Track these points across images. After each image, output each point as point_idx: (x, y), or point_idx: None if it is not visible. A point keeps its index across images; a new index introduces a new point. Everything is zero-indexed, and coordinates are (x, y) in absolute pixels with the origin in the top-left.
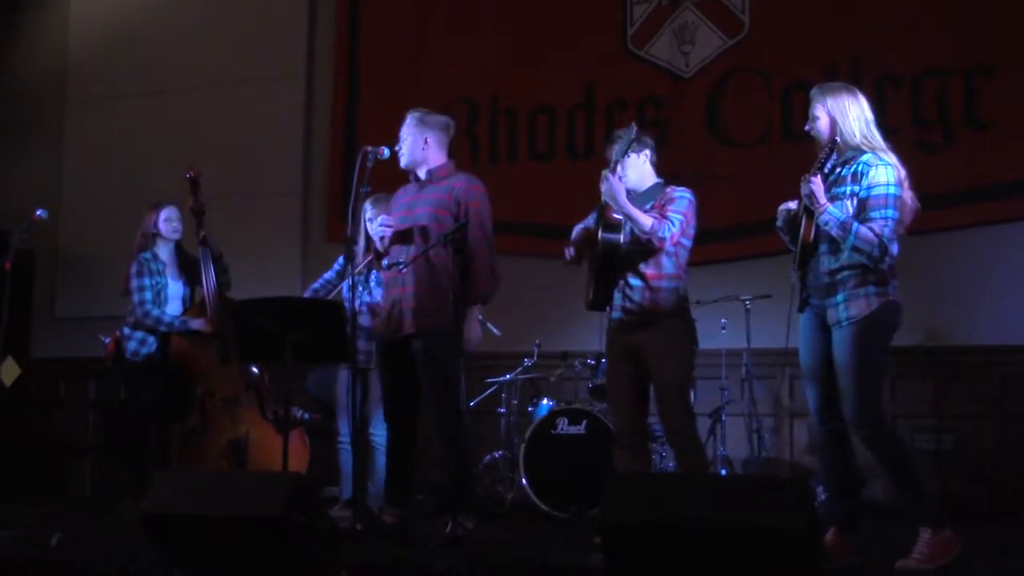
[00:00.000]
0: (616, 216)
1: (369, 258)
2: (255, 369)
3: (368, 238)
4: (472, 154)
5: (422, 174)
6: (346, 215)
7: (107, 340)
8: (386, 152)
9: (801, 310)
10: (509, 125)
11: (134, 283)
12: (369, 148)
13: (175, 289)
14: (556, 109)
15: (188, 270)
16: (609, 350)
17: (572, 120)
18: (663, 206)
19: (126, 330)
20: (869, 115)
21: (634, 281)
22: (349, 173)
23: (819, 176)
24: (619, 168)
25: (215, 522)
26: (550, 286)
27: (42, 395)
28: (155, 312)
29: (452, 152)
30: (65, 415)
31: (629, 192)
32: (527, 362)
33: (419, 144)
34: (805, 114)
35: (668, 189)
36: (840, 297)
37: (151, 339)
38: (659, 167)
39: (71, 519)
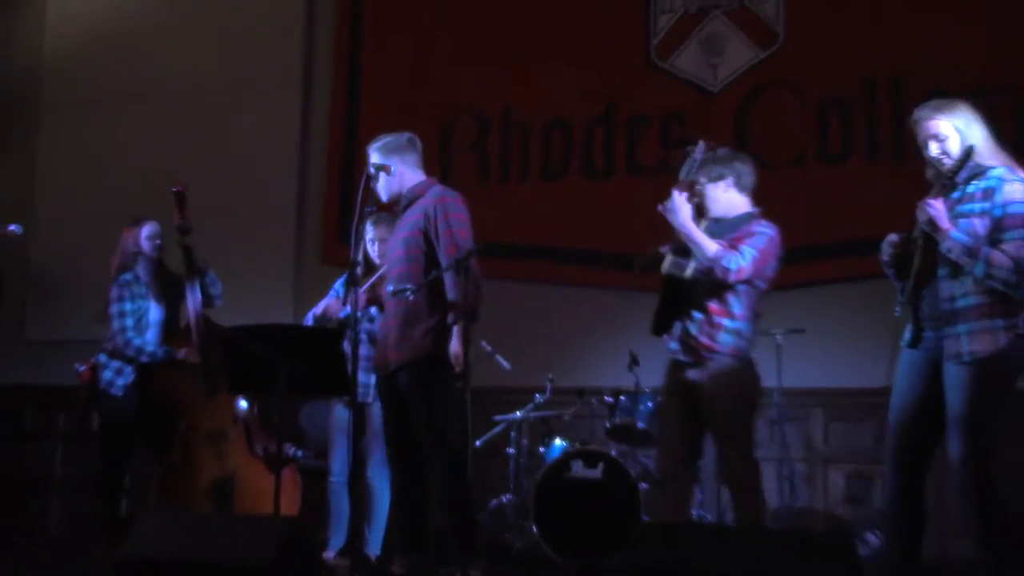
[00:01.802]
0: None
1: (372, 281)
2: (244, 402)
3: (369, 262)
4: (481, 171)
5: (404, 199)
6: (344, 235)
7: (82, 368)
8: (393, 169)
9: (914, 344)
10: (521, 141)
11: (115, 308)
12: (372, 169)
13: (157, 314)
14: (572, 124)
15: (170, 291)
16: (665, 384)
17: (590, 136)
18: (741, 238)
19: (103, 358)
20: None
21: (696, 313)
22: (348, 189)
23: (940, 200)
24: (688, 188)
25: (201, 570)
26: (565, 315)
27: (5, 425)
28: (137, 341)
29: (445, 166)
30: (30, 448)
31: (717, 221)
32: (539, 398)
33: (388, 176)
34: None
35: (754, 223)
36: (962, 328)
37: (128, 369)
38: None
39: (36, 562)
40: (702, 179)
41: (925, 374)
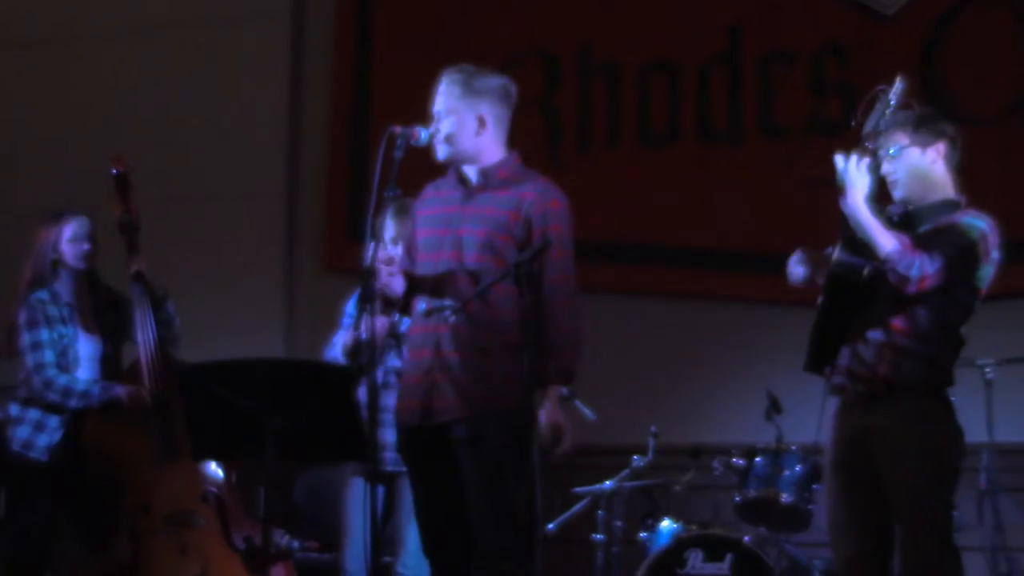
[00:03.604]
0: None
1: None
2: (217, 471)
3: None
4: (550, 138)
5: (472, 173)
6: (356, 230)
7: None
8: (423, 135)
9: None
10: (607, 91)
11: (25, 338)
12: (398, 128)
13: (89, 346)
14: (680, 66)
15: (109, 317)
16: (832, 439)
17: (706, 82)
18: (934, 235)
19: (14, 409)
20: None
21: (873, 334)
22: (359, 166)
23: None
24: (871, 153)
25: None
26: (673, 341)
27: None
28: (61, 380)
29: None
30: None
31: (904, 207)
32: (637, 461)
33: (470, 125)
34: None
35: (959, 213)
36: None
37: (52, 421)
38: None
39: None
40: (891, 141)
41: None
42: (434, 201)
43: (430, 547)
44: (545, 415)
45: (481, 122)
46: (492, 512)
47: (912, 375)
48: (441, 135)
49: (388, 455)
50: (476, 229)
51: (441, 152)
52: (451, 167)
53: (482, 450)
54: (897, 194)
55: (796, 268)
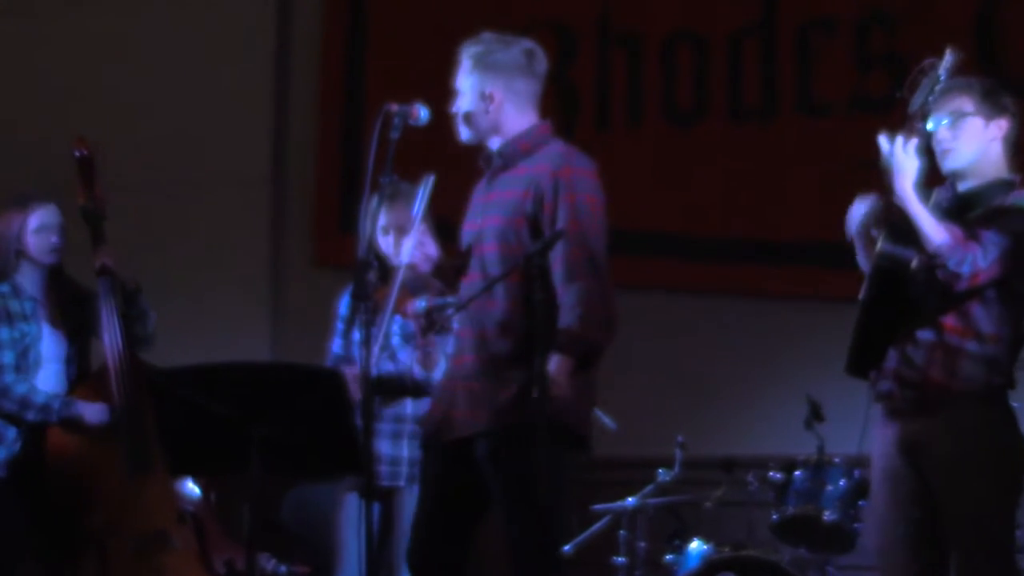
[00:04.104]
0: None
1: (392, 296)
2: (193, 488)
3: (384, 262)
4: (565, 116)
5: (496, 154)
6: (349, 221)
7: None
8: (423, 113)
9: None
10: (628, 65)
11: None
12: (395, 106)
13: (53, 345)
14: (708, 36)
15: (76, 314)
16: (873, 449)
17: (737, 54)
18: (986, 220)
19: None
20: None
21: (923, 333)
22: (352, 149)
23: None
24: (920, 133)
25: None
26: (700, 340)
27: None
28: (20, 389)
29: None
30: None
31: (953, 187)
32: (663, 475)
33: (482, 102)
34: None
35: (1014, 194)
36: None
37: (11, 433)
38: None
39: None
40: (950, 107)
41: None
42: (477, 190)
43: (417, 566)
44: (555, 387)
45: (490, 99)
46: (522, 537)
47: (967, 379)
48: (460, 115)
49: (383, 468)
50: (494, 217)
51: (463, 134)
52: (482, 152)
53: (503, 469)
54: (947, 165)
55: (857, 210)
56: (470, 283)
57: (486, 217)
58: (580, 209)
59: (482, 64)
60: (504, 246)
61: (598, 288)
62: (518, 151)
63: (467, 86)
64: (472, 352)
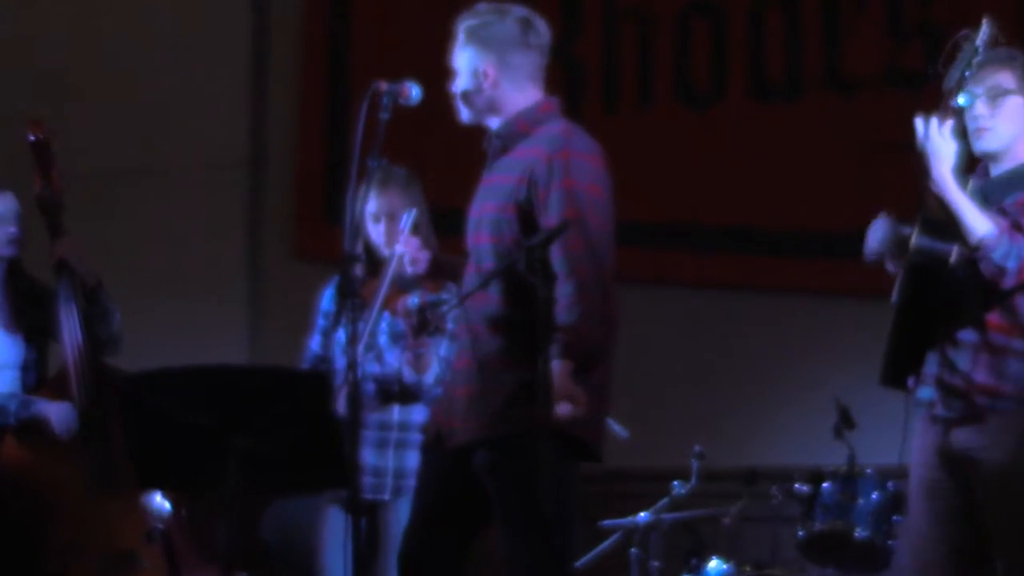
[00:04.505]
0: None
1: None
2: (164, 504)
3: (372, 254)
4: (570, 96)
5: (494, 135)
6: (334, 211)
7: None
8: (414, 92)
9: None
10: (639, 39)
11: None
12: (384, 84)
13: (10, 350)
14: (728, 8)
15: (33, 314)
16: (912, 459)
17: (758, 28)
18: None
19: None
20: None
21: (965, 334)
22: (336, 131)
23: None
24: (956, 113)
25: None
26: (719, 339)
27: None
28: None
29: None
30: None
31: (986, 170)
32: (678, 488)
33: (477, 80)
34: None
35: None
36: None
37: None
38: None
39: None
40: (987, 81)
41: None
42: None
43: (404, 568)
44: (557, 390)
45: (485, 76)
46: (524, 555)
47: (1017, 380)
48: (458, 95)
49: (367, 480)
50: (489, 205)
51: (462, 114)
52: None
53: (501, 480)
54: (981, 146)
55: (873, 235)
56: (467, 277)
57: (483, 205)
58: (579, 196)
59: (475, 38)
60: (497, 237)
61: (597, 284)
62: (516, 132)
63: (462, 63)
64: (467, 353)
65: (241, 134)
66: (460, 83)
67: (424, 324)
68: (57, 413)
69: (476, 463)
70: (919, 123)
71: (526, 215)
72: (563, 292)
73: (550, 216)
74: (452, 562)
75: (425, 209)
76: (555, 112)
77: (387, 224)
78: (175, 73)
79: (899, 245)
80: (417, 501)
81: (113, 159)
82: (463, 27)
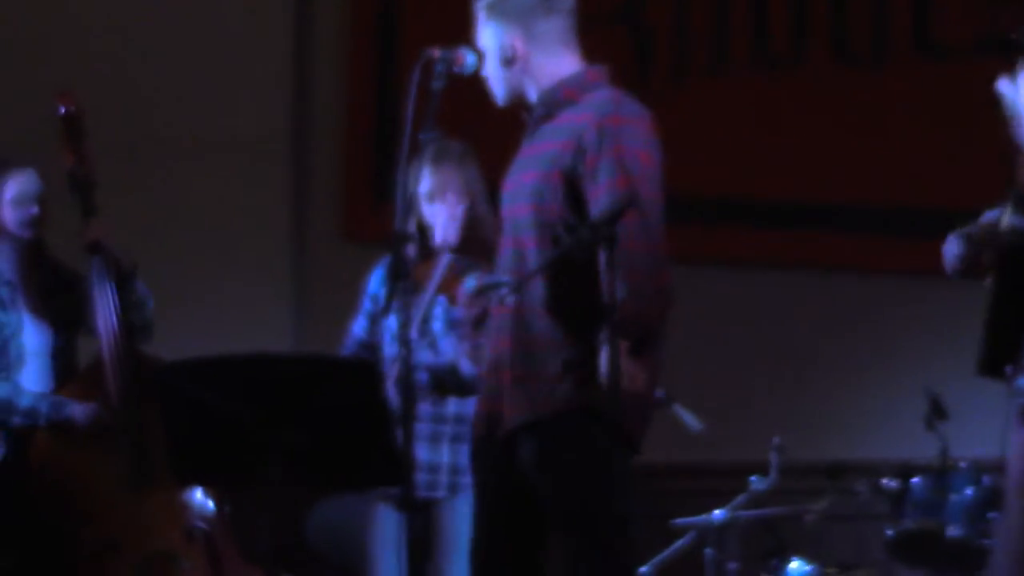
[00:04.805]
0: None
1: (439, 273)
2: (206, 500)
3: (423, 233)
4: (636, 62)
5: (538, 102)
6: (384, 190)
7: None
8: (469, 60)
9: None
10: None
11: None
12: (437, 51)
13: (37, 337)
14: None
15: (61, 300)
16: (1008, 453)
17: None
18: None
19: None
20: None
21: None
22: (386, 104)
23: None
24: None
25: None
26: (801, 329)
27: None
28: (2, 390)
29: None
30: None
31: None
32: (757, 484)
33: (506, 56)
34: None
35: None
36: None
37: None
38: None
39: None
40: None
41: None
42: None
43: None
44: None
45: (513, 51)
46: (577, 552)
47: None
48: (490, 77)
49: (421, 476)
50: (530, 174)
51: (498, 97)
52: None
53: (551, 469)
54: None
55: (949, 252)
56: (503, 252)
57: (522, 175)
58: (629, 164)
59: (496, 13)
60: (537, 207)
61: (650, 258)
62: (561, 98)
63: (488, 42)
64: (508, 335)
65: (285, 105)
66: (490, 64)
67: (484, 315)
68: (87, 415)
69: (521, 457)
70: (1004, 84)
71: (570, 183)
72: (622, 269)
73: (599, 184)
74: (530, 563)
75: (483, 187)
76: (603, 80)
77: (442, 204)
78: (215, 49)
79: (989, 236)
80: (478, 512)
81: (148, 135)
82: (481, 5)
